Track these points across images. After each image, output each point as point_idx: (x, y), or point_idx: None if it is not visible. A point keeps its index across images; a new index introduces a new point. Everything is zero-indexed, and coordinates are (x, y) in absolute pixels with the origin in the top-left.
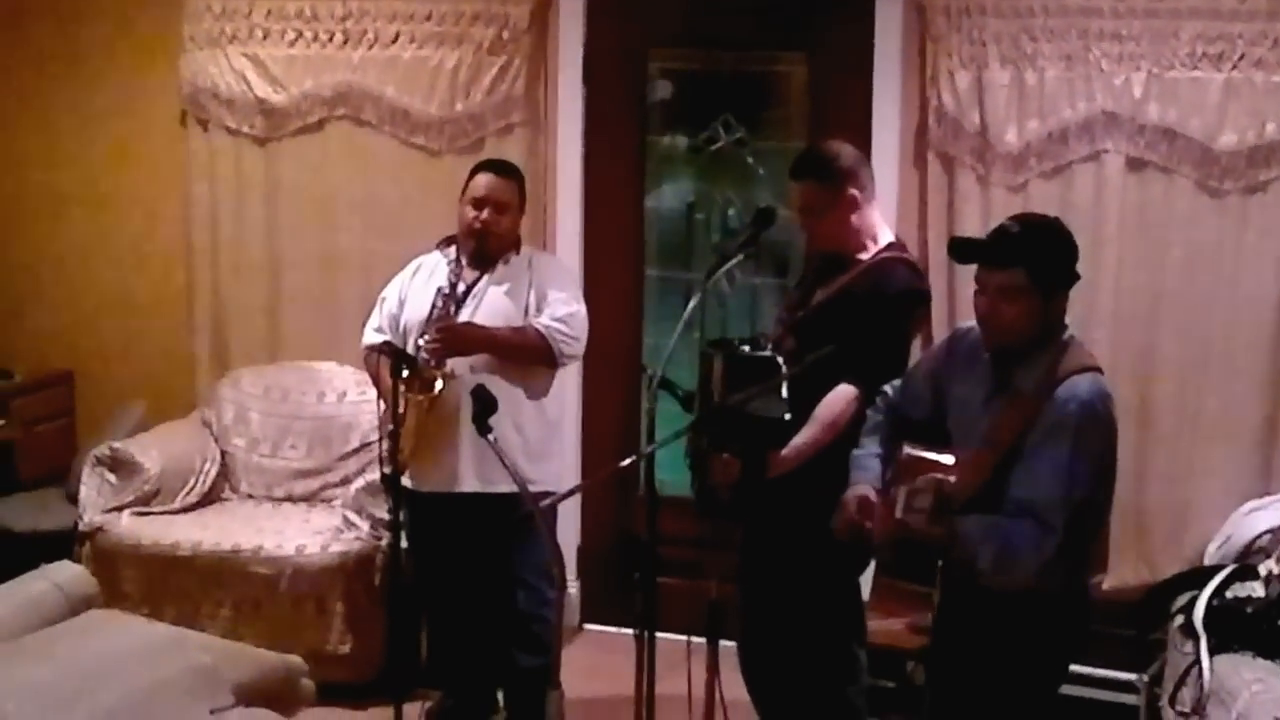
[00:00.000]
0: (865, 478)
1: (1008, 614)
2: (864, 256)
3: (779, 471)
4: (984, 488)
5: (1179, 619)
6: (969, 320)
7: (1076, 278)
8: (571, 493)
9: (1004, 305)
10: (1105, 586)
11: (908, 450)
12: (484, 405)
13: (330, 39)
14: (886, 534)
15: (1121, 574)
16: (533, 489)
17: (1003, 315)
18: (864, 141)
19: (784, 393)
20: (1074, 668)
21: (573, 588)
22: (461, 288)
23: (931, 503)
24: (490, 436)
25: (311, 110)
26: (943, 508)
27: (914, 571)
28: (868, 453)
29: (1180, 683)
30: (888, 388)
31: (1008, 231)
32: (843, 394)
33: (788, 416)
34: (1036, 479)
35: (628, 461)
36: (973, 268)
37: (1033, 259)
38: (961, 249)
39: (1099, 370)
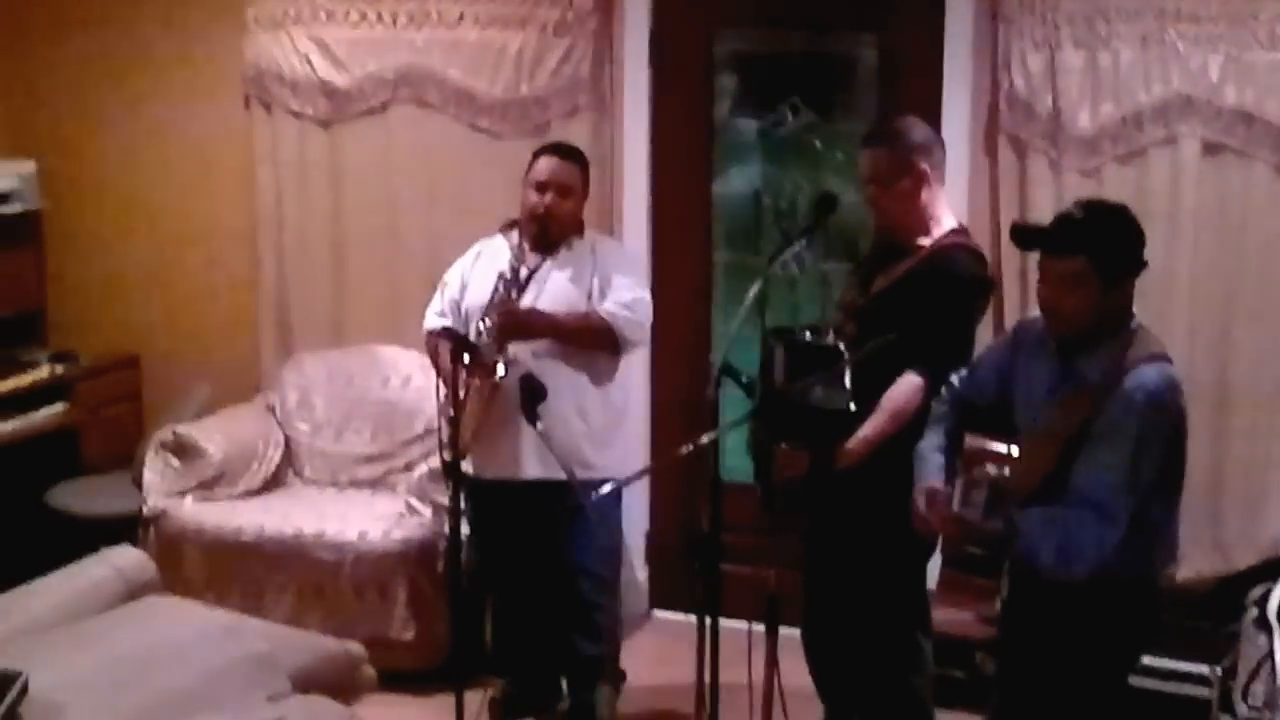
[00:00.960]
0: (927, 471)
1: (1075, 604)
2: (925, 241)
3: (846, 464)
4: (1048, 478)
5: (1253, 611)
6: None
7: (1143, 265)
8: (621, 484)
9: (1066, 294)
10: (1179, 577)
11: (970, 441)
12: (532, 394)
13: (394, 20)
14: (944, 527)
15: (1195, 564)
16: (596, 475)
17: (1065, 304)
18: (934, 125)
19: (847, 382)
20: (1145, 659)
21: (641, 574)
22: (524, 272)
23: (987, 496)
24: (538, 425)
25: (375, 92)
26: (998, 501)
27: (977, 565)
28: (930, 445)
29: (1253, 676)
30: (954, 378)
31: (1071, 218)
32: (909, 383)
33: (852, 407)
34: (1100, 469)
35: (685, 450)
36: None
37: (1096, 246)
38: (1024, 236)
39: (1167, 359)
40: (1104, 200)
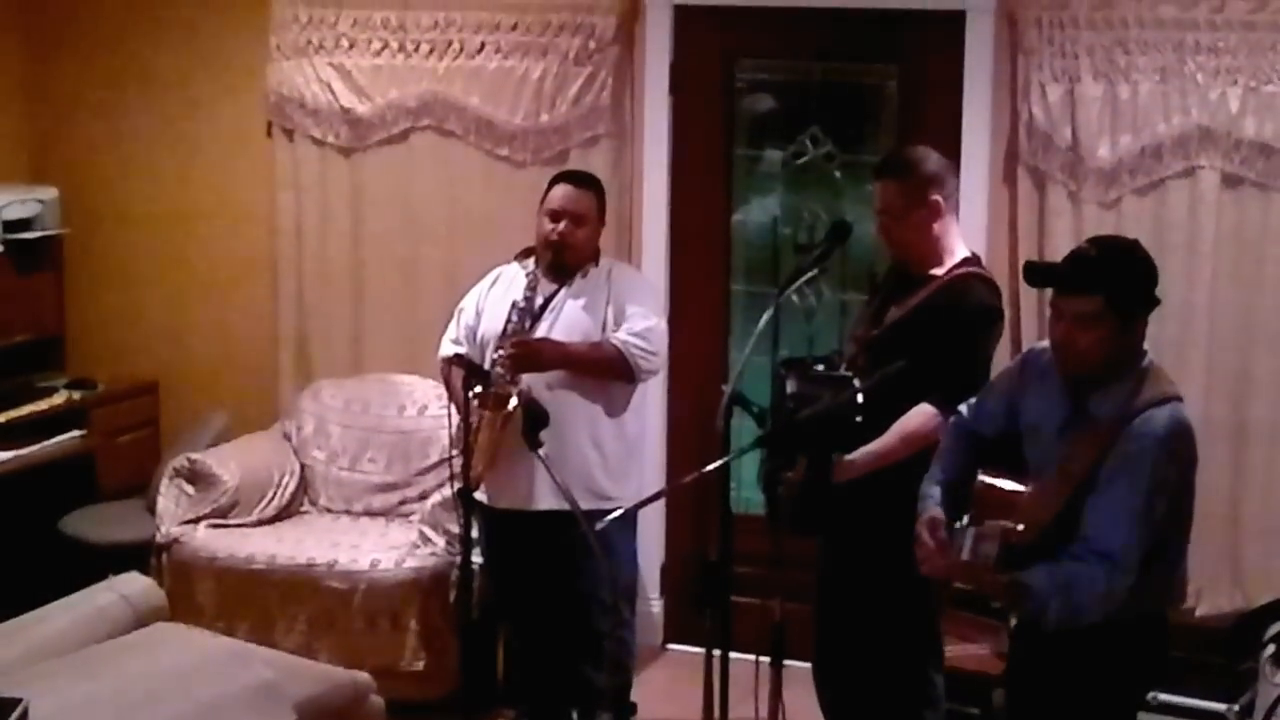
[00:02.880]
0: (928, 505)
1: (1082, 642)
2: (938, 272)
3: (846, 476)
4: (1058, 518)
5: (1270, 648)
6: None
7: (1156, 302)
8: (626, 511)
9: (1080, 333)
10: (1197, 613)
11: (982, 478)
12: (534, 419)
13: (416, 49)
14: (951, 574)
15: (1213, 600)
16: (611, 506)
17: (1079, 343)
18: (954, 156)
19: (859, 400)
20: (1162, 696)
21: (655, 607)
22: (539, 301)
23: (998, 552)
24: (541, 451)
25: (396, 120)
26: (1009, 559)
27: (982, 606)
28: (931, 479)
29: (1270, 714)
30: (963, 408)
31: (1086, 256)
32: (922, 411)
33: (859, 419)
34: (1109, 518)
35: (690, 478)
36: None
37: (1112, 285)
38: (1038, 274)
39: (1179, 399)
40: (1118, 237)
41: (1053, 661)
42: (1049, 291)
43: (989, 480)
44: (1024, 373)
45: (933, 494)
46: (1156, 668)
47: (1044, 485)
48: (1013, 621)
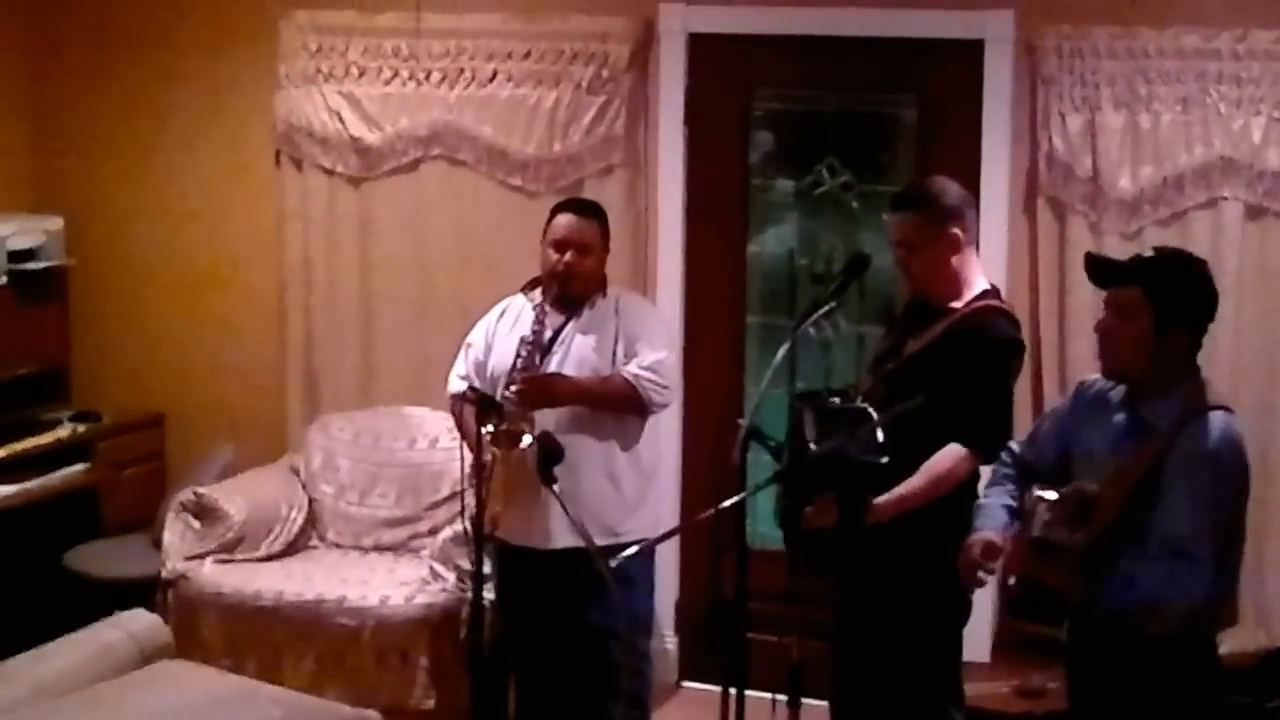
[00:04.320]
0: (991, 525)
1: (1139, 663)
2: (957, 304)
3: (877, 519)
4: (1113, 527)
5: None
6: (1086, 371)
7: (1207, 317)
8: (642, 547)
9: (1119, 324)
10: (1221, 650)
11: (1038, 491)
12: (549, 455)
13: (427, 77)
14: (1022, 560)
15: (1238, 639)
16: (629, 541)
17: (1117, 335)
18: (973, 186)
19: (880, 437)
20: None
21: (670, 644)
22: (547, 334)
23: (1074, 506)
24: (555, 487)
25: (406, 149)
26: (1084, 512)
27: (1043, 608)
28: (995, 502)
29: None
30: (1014, 443)
31: (1141, 254)
32: (951, 451)
33: (885, 460)
34: (1179, 512)
35: (707, 514)
36: (1084, 316)
37: (1153, 280)
38: (1094, 266)
39: (1231, 410)
40: (1181, 249)
41: (1108, 678)
42: (1070, 323)
43: (1044, 492)
44: (1076, 403)
45: (997, 514)
46: (1209, 695)
47: (1102, 490)
48: (1063, 636)
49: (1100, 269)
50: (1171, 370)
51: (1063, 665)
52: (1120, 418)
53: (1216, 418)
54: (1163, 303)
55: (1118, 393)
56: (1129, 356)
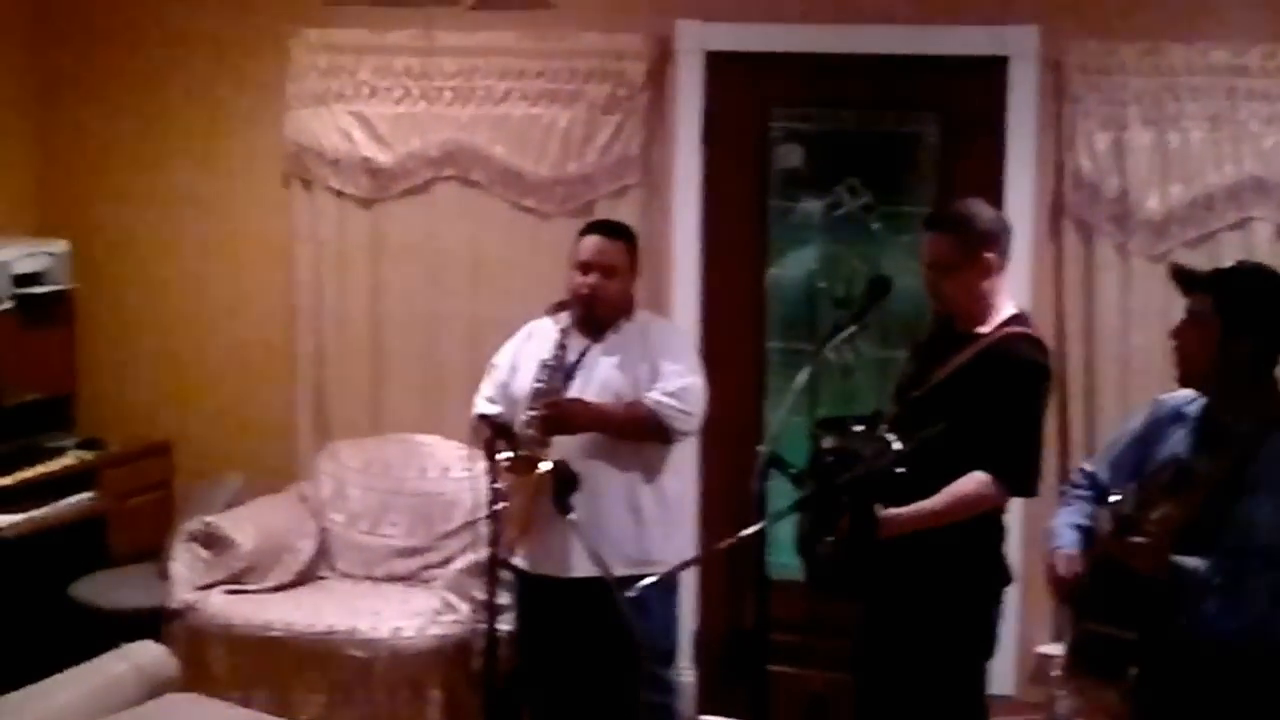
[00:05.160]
0: (1064, 541)
1: (1210, 685)
2: (984, 329)
3: (890, 532)
4: (1190, 527)
5: None
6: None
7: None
8: (661, 577)
9: (1188, 330)
10: None
11: (1117, 499)
12: (564, 483)
13: (439, 96)
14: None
15: None
16: (655, 570)
17: (1186, 341)
18: (996, 207)
19: (896, 446)
20: None
21: (688, 676)
22: (571, 357)
23: (1169, 478)
24: (572, 517)
25: (418, 170)
26: (1181, 482)
27: (1115, 610)
28: (1063, 521)
29: None
30: (1086, 463)
31: (1221, 267)
32: (976, 478)
33: (900, 470)
34: (1260, 520)
35: (726, 543)
36: (1111, 341)
37: (1222, 289)
38: (1177, 274)
39: None
40: (1265, 265)
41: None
42: (1097, 347)
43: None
44: (1152, 418)
45: (1067, 534)
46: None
47: (1181, 495)
48: (1133, 670)
49: (1180, 277)
50: (1244, 380)
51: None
52: (1197, 430)
53: None
54: (1229, 311)
55: (1195, 407)
56: (1196, 363)
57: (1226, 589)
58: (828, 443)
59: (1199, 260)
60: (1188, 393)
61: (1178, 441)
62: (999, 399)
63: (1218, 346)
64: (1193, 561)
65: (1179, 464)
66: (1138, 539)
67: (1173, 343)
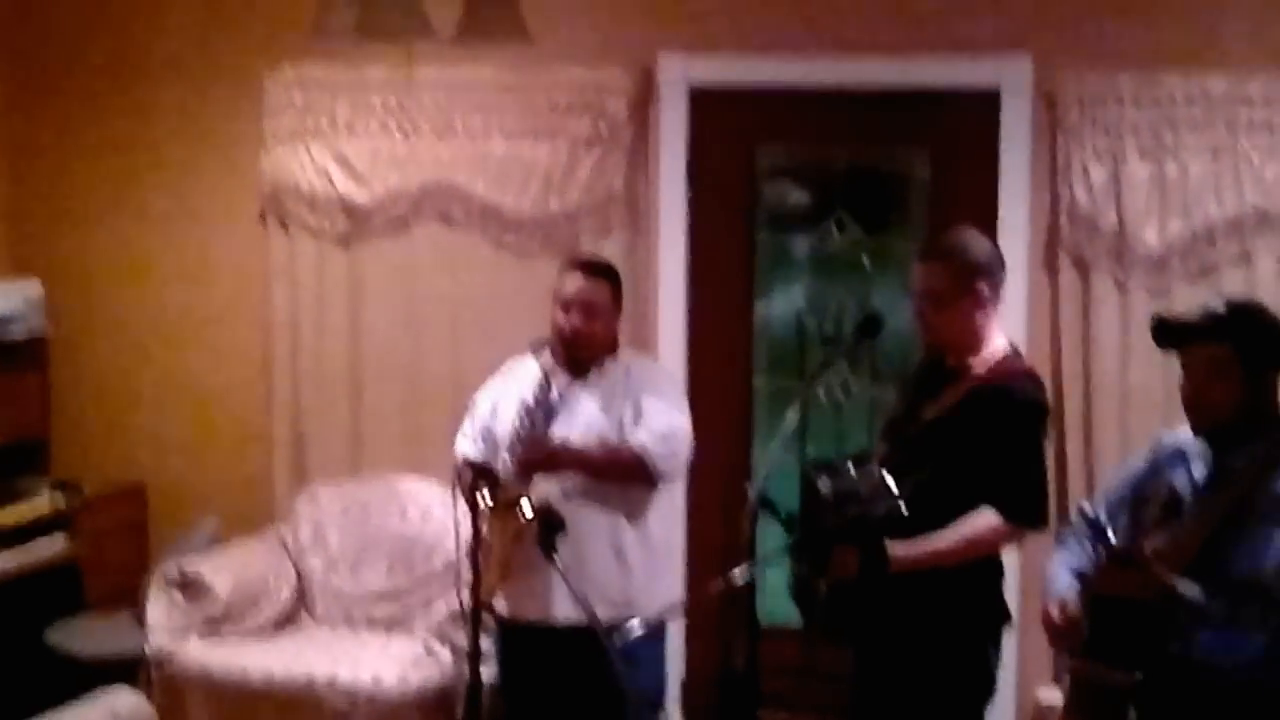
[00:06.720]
0: (1059, 586)
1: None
2: (975, 363)
3: (901, 568)
4: (1190, 569)
5: None
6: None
7: None
8: (648, 623)
9: (1211, 383)
10: None
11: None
12: (548, 526)
13: (418, 133)
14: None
15: None
16: (641, 616)
17: (1210, 395)
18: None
19: (893, 487)
20: None
21: None
22: (554, 396)
23: (1161, 512)
24: (556, 560)
25: (397, 209)
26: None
27: (1116, 648)
28: (1062, 566)
29: None
30: (1085, 503)
31: (1214, 309)
32: (984, 518)
33: (904, 510)
34: (1261, 556)
35: (715, 587)
36: (1110, 378)
37: (1239, 334)
38: (1165, 330)
39: None
40: (1246, 297)
41: None
42: (1095, 385)
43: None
44: (1154, 457)
45: (1061, 578)
46: None
47: (1182, 529)
48: (1133, 713)
49: (1173, 330)
50: (1260, 416)
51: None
52: (1201, 467)
53: None
54: (1251, 354)
55: (1197, 445)
56: (1225, 414)
57: (1223, 621)
58: (824, 484)
59: (1200, 296)
60: (1187, 430)
61: (1179, 480)
62: (1000, 436)
63: (1244, 392)
64: (1190, 587)
65: (1172, 496)
66: (1132, 569)
67: (1189, 397)
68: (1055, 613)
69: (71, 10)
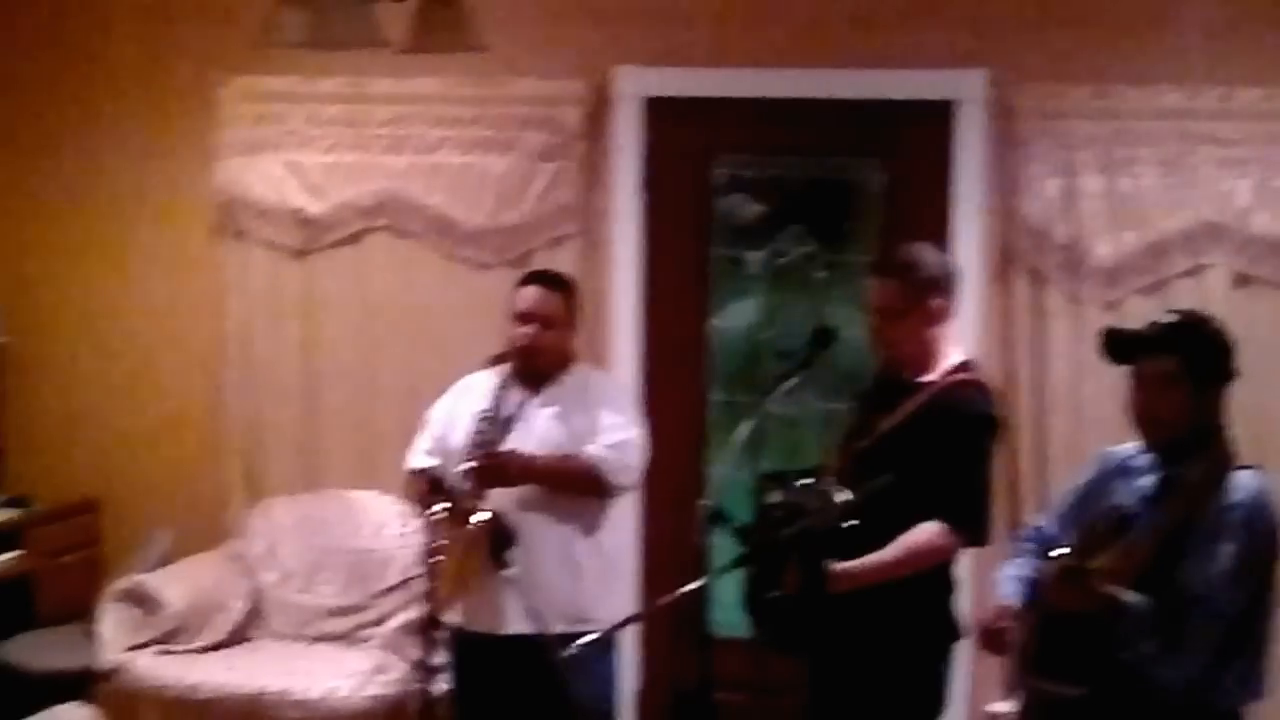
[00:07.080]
0: (1004, 594)
1: None
2: (930, 377)
3: (841, 586)
4: (1142, 580)
5: None
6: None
7: (1234, 374)
8: (598, 636)
9: (1161, 396)
10: None
11: (1061, 552)
12: (500, 537)
13: (371, 145)
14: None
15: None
16: (589, 628)
17: (1160, 407)
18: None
19: (841, 500)
20: None
21: None
22: (509, 410)
23: (1108, 526)
24: (509, 572)
25: (351, 220)
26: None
27: (1060, 663)
28: (1008, 573)
29: None
30: (1035, 518)
31: (1163, 320)
32: (928, 528)
33: (845, 524)
34: (1206, 570)
35: (667, 600)
36: (1062, 390)
37: (1187, 347)
38: (1117, 343)
39: (1262, 469)
40: (1195, 309)
41: None
42: (1048, 397)
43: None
44: (1100, 471)
45: (1012, 585)
46: None
47: (1130, 543)
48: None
49: (1124, 343)
50: (1209, 429)
51: None
52: (1148, 481)
53: (1251, 476)
54: (1199, 367)
55: (1143, 459)
56: (1175, 426)
57: (1166, 634)
58: (773, 497)
59: (1153, 309)
60: (1133, 445)
61: (1125, 493)
62: (948, 447)
63: (1193, 405)
64: (1134, 597)
65: (1119, 511)
66: (1079, 583)
67: (1140, 411)
68: (990, 615)
69: (20, 23)
